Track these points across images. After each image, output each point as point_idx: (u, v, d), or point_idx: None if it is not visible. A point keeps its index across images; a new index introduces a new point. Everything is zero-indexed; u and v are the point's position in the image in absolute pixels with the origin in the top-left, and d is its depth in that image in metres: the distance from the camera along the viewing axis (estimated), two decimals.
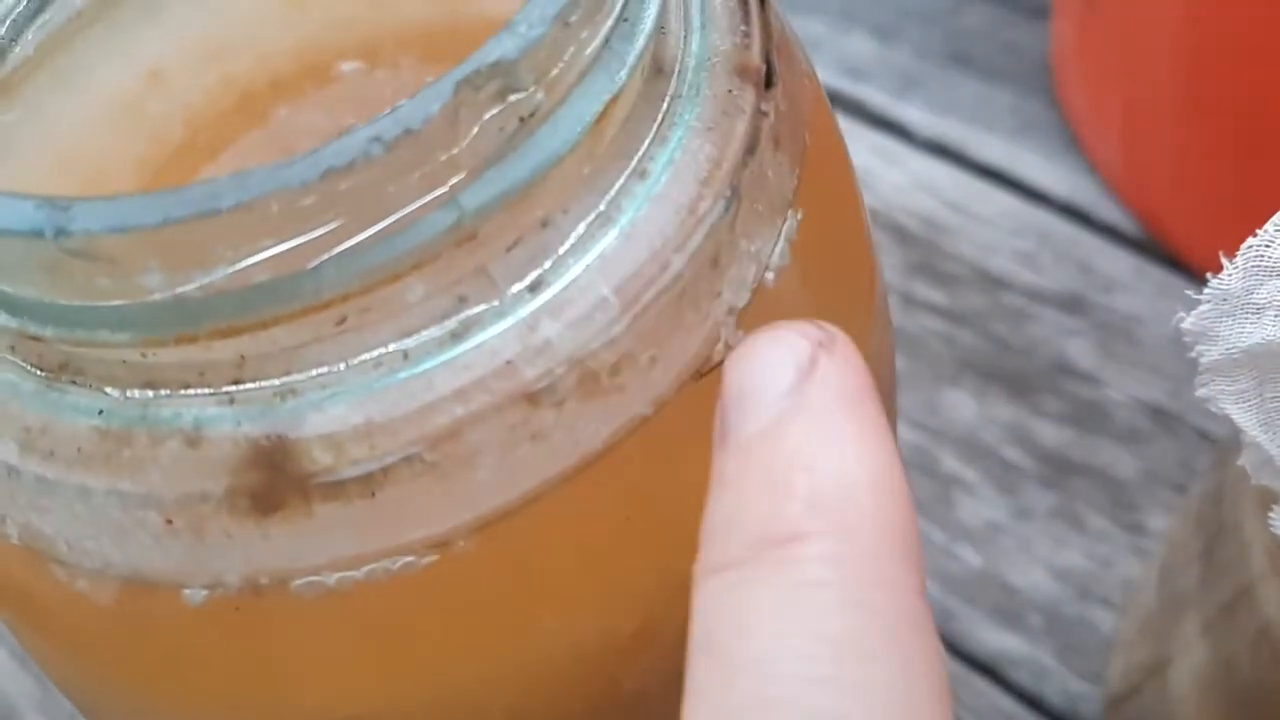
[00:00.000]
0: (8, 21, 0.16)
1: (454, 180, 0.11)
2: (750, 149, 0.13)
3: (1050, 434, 0.34)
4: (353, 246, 0.11)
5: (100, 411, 0.12)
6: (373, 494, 0.12)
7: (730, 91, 0.13)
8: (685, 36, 0.14)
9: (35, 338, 0.12)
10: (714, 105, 0.13)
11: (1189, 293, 0.17)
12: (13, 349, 0.12)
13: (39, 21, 0.16)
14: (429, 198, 0.11)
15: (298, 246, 0.11)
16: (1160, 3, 0.35)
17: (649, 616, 0.13)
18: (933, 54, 0.43)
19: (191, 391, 0.12)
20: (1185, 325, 0.17)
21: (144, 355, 0.12)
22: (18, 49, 0.16)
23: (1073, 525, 0.33)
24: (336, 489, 0.12)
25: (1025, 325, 0.36)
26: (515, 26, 0.11)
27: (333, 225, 0.11)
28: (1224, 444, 0.24)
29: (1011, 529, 0.33)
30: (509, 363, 0.12)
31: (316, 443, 0.11)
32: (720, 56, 0.14)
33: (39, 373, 0.12)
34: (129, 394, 0.12)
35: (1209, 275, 0.17)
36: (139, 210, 0.10)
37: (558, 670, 0.13)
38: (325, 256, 0.11)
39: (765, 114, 0.13)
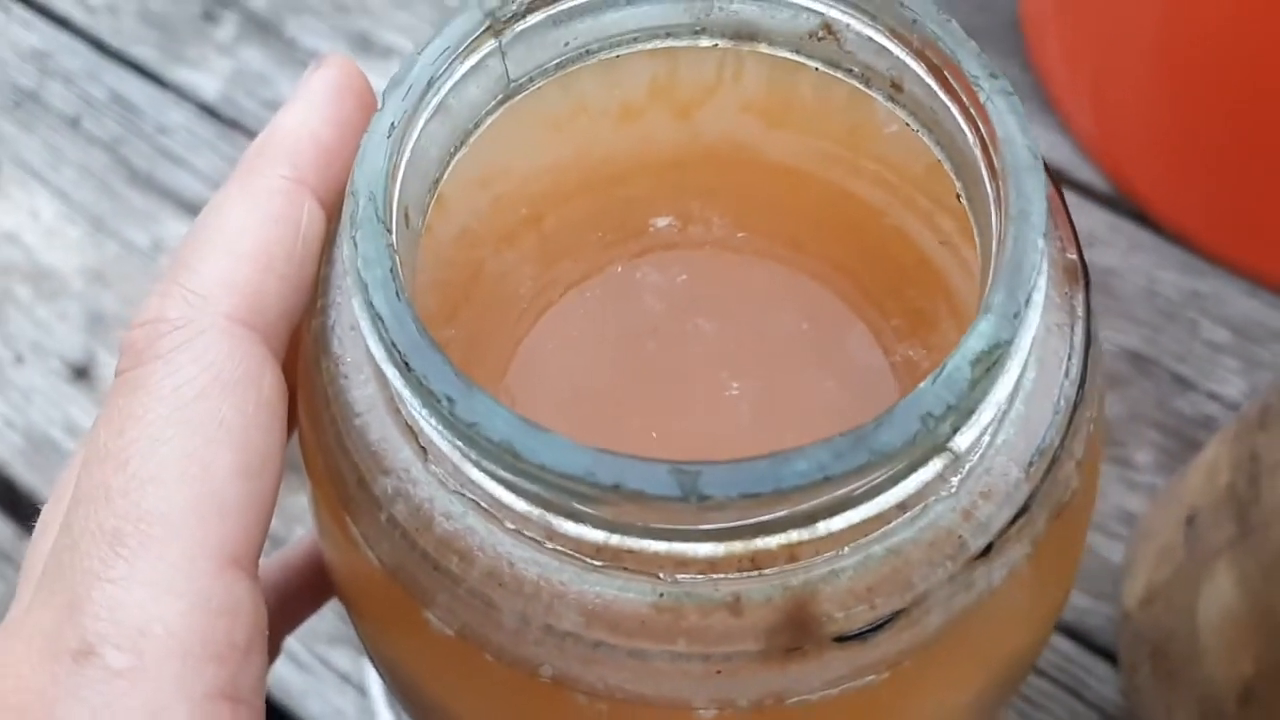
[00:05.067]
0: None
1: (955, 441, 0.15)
2: (1089, 340, 0.17)
3: None
4: (875, 482, 0.15)
5: (661, 595, 0.15)
6: (866, 640, 0.16)
7: (1066, 292, 0.17)
8: None
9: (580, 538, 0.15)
10: (1057, 308, 0.17)
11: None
12: (549, 537, 0.16)
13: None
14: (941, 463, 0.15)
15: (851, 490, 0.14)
16: None
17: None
18: None
19: (721, 575, 0.15)
20: None
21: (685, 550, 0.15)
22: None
23: None
24: (844, 640, 0.15)
25: None
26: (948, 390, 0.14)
27: (873, 480, 0.14)
28: (1251, 415, 0.30)
29: None
30: (960, 537, 0.16)
31: (832, 606, 0.15)
32: (1047, 258, 0.17)
33: (587, 560, 0.15)
34: (675, 578, 0.15)
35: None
36: (755, 479, 0.14)
37: None
38: (860, 488, 0.15)
39: (1092, 311, 0.17)
